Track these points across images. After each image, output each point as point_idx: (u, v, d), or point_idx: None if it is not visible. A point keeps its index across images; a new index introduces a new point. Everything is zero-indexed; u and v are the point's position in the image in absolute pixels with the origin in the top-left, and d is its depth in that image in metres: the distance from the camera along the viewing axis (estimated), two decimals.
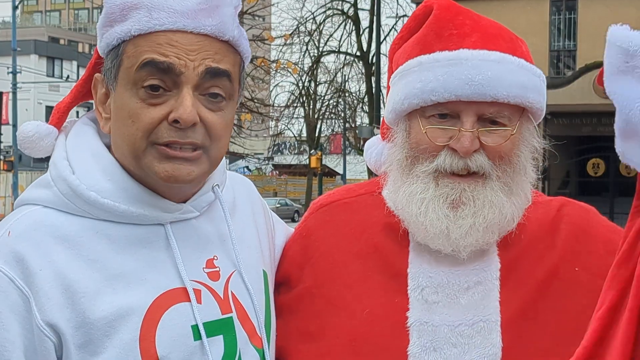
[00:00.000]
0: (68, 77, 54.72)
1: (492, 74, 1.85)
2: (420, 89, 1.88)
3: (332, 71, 42.67)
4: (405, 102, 1.92)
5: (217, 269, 1.83)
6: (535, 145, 1.97)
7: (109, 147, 1.80)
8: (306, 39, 40.51)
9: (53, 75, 62.88)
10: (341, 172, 49.05)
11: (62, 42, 76.77)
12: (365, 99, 39.47)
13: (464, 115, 1.86)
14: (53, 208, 1.74)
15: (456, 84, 1.85)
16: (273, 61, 20.95)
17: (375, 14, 32.70)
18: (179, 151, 1.70)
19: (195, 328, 1.73)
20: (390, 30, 38.80)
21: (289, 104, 41.79)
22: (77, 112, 2.01)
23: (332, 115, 43.02)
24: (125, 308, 1.68)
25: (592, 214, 2.04)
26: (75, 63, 63.94)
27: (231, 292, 1.83)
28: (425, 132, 1.89)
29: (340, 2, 41.68)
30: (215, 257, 1.83)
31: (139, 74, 1.68)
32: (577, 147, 29.68)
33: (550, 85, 31.53)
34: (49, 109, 63.81)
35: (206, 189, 1.85)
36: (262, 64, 15.78)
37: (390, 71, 2.04)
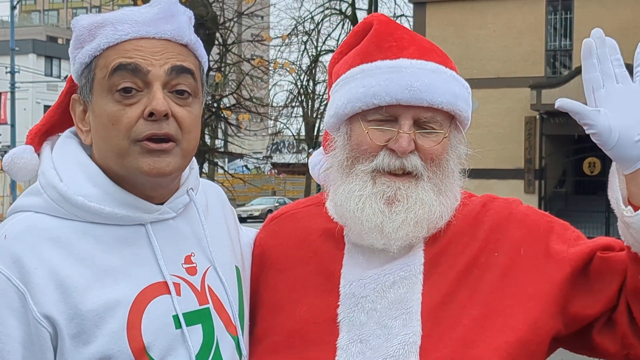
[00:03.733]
0: (66, 76, 54.54)
1: (429, 82, 2.03)
2: (363, 93, 2.04)
3: None
4: (349, 105, 2.07)
5: (194, 264, 2.01)
6: (462, 152, 2.14)
7: (90, 158, 1.99)
8: (304, 39, 40.63)
9: (51, 75, 62.85)
10: None
11: (60, 41, 76.67)
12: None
13: (402, 119, 2.02)
14: (44, 213, 1.92)
15: (397, 89, 2.01)
16: (271, 61, 21.02)
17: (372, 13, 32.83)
18: (157, 144, 1.89)
19: (176, 318, 1.91)
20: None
21: (287, 103, 41.90)
22: None
23: None
24: (113, 301, 1.86)
25: (514, 204, 2.20)
26: None
27: (207, 285, 2.01)
28: (367, 133, 2.04)
29: (338, 2, 41.79)
30: (193, 254, 2.02)
31: (111, 80, 1.88)
32: (573, 146, 29.78)
33: (547, 85, 31.62)
34: (47, 109, 63.41)
35: (181, 192, 2.03)
36: (260, 63, 15.85)
37: (330, 83, 2.22)
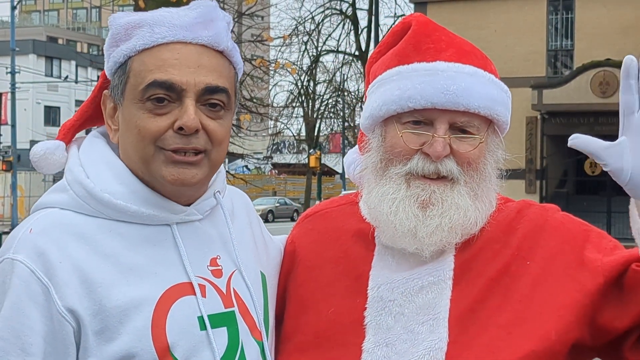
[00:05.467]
0: (67, 77, 54.68)
1: (466, 85, 1.99)
2: (399, 95, 2.01)
3: (330, 70, 42.87)
4: (384, 108, 2.05)
5: (220, 267, 1.98)
6: (499, 156, 2.10)
7: (117, 156, 1.97)
8: (305, 39, 40.62)
9: (52, 75, 62.88)
10: (340, 171, 49.16)
11: (60, 41, 76.73)
12: (364, 98, 39.59)
13: (437, 123, 1.99)
14: (70, 210, 1.90)
15: (432, 92, 1.98)
16: (272, 61, 21.01)
17: (373, 13, 32.85)
18: (183, 156, 1.87)
19: (201, 319, 1.88)
20: (389, 30, 38.91)
21: (288, 103, 41.93)
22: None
23: (330, 114, 43.19)
24: (138, 298, 1.84)
25: (550, 212, 2.15)
26: (73, 63, 63.81)
27: (233, 288, 1.98)
28: (401, 136, 2.01)
29: (339, 2, 41.79)
30: (218, 257, 1.99)
31: (144, 91, 1.86)
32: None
33: (548, 85, 31.61)
34: (47, 109, 63.91)
35: (209, 195, 2.00)
36: (261, 64, 15.86)
37: (367, 83, 2.19)
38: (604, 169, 1.87)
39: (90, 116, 2.08)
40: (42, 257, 1.81)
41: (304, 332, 2.10)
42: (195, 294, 1.90)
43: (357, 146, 2.31)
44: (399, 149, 2.03)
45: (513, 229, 2.09)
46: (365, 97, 2.18)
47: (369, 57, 2.26)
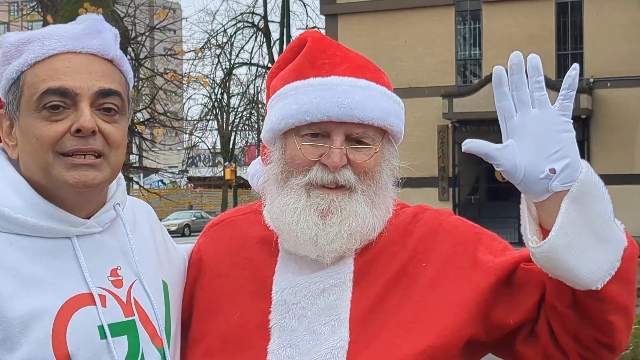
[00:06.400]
0: None
1: (359, 99, 2.09)
2: (297, 109, 2.11)
3: (244, 83, 42.87)
4: (283, 121, 2.14)
5: (121, 277, 2.03)
6: (395, 165, 2.22)
7: (18, 172, 2.01)
8: (218, 52, 40.57)
9: None
10: None
11: None
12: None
13: (334, 135, 2.09)
14: None
15: (328, 106, 2.08)
16: (183, 75, 20.91)
17: (285, 26, 32.99)
18: (83, 159, 1.93)
19: (101, 328, 1.94)
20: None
21: (202, 116, 41.75)
22: None
23: (245, 126, 43.14)
24: (38, 309, 1.88)
25: (444, 216, 2.27)
26: None
27: (133, 297, 2.04)
28: (300, 149, 2.11)
29: (251, 15, 41.88)
30: (119, 267, 2.04)
31: (39, 100, 1.92)
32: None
33: (458, 94, 32.11)
34: None
35: (108, 207, 2.06)
36: (173, 77, 15.78)
37: (268, 97, 2.28)
38: (498, 169, 1.96)
39: None
40: None
41: (211, 337, 2.17)
42: (95, 304, 1.94)
43: (259, 157, 2.40)
44: (298, 160, 2.11)
45: (409, 232, 2.20)
46: (266, 110, 2.27)
47: (269, 71, 2.35)
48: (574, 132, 1.95)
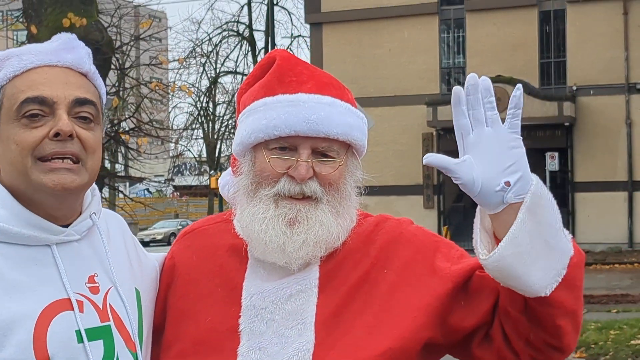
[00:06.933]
0: None
1: (325, 114, 2.20)
2: (266, 124, 2.21)
3: (230, 92, 42.86)
4: (252, 136, 2.24)
5: (97, 284, 2.13)
6: (358, 177, 2.32)
7: None
8: (203, 61, 40.59)
9: None
10: None
11: None
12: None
13: (300, 148, 2.20)
14: None
15: (295, 121, 2.19)
16: (167, 84, 20.92)
17: (270, 35, 33.03)
18: (61, 163, 2.02)
19: (78, 333, 2.02)
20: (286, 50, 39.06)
21: (187, 125, 41.74)
22: None
23: (231, 135, 43.05)
24: (21, 314, 1.97)
25: (404, 225, 2.38)
26: None
27: (109, 304, 2.13)
28: (269, 161, 2.22)
29: (236, 24, 41.93)
30: (96, 274, 2.13)
31: (19, 109, 2.02)
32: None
33: (442, 102, 32.18)
34: None
35: (85, 216, 2.15)
36: (157, 87, 15.78)
37: (238, 112, 2.39)
38: (456, 182, 2.08)
39: None
40: None
41: (183, 340, 2.26)
42: (73, 310, 2.03)
43: (230, 168, 2.49)
44: (267, 172, 2.22)
45: (372, 240, 2.31)
46: (237, 124, 2.37)
47: (239, 88, 2.45)
48: (524, 148, 2.07)
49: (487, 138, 2.05)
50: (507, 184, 2.04)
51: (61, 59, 2.09)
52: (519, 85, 2.07)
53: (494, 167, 2.04)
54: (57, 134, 1.99)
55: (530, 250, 2.04)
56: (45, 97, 2.01)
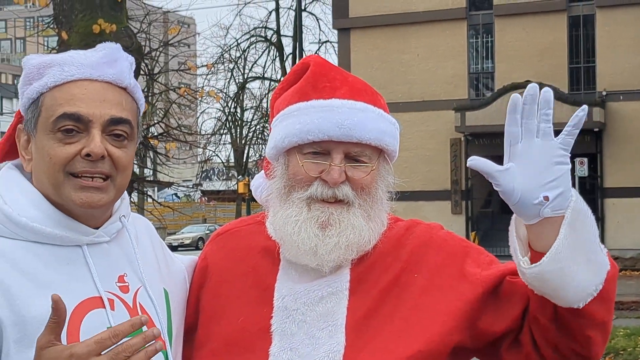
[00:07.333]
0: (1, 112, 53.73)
1: (358, 120, 2.24)
2: (299, 129, 2.25)
3: (257, 97, 42.95)
4: (286, 140, 2.28)
5: (127, 283, 2.18)
6: (390, 181, 2.35)
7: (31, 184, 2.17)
8: (231, 66, 40.73)
9: None
10: None
11: None
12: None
13: (333, 153, 2.23)
14: None
15: (329, 126, 2.22)
16: (196, 90, 21.03)
17: (298, 40, 33.07)
18: (91, 181, 2.07)
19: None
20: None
21: (215, 130, 41.86)
22: None
23: (259, 140, 43.19)
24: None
25: (435, 230, 2.41)
26: None
27: (139, 302, 2.17)
28: (302, 165, 2.25)
29: (264, 30, 42.04)
30: (125, 274, 2.18)
31: (55, 123, 2.07)
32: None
33: (470, 107, 32.04)
34: None
35: (115, 219, 2.21)
36: (186, 92, 15.89)
37: (272, 116, 2.43)
38: (496, 189, 2.10)
39: (7, 152, 2.27)
40: None
41: (215, 340, 2.30)
42: (104, 307, 2.08)
43: (262, 171, 2.53)
44: (300, 176, 2.25)
45: (402, 244, 2.33)
46: (270, 129, 2.40)
47: (273, 92, 2.48)
48: (570, 165, 2.08)
49: (535, 149, 2.06)
50: (546, 198, 2.05)
51: (102, 73, 2.11)
52: (584, 107, 2.06)
53: (535, 179, 2.06)
54: (88, 154, 2.04)
55: (571, 265, 2.06)
56: (81, 115, 2.05)
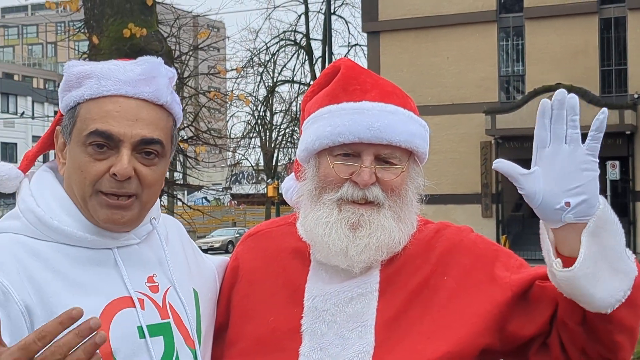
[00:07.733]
0: (23, 113, 54.33)
1: (388, 122, 2.25)
2: (330, 131, 2.27)
3: (287, 100, 43.03)
4: (317, 142, 2.30)
5: (157, 283, 2.21)
6: (419, 183, 2.36)
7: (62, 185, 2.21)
8: (260, 70, 40.83)
9: (8, 112, 62.41)
10: None
11: (16, 77, 76.15)
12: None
13: (364, 155, 2.24)
14: (22, 234, 2.12)
15: (359, 128, 2.24)
16: (225, 93, 21.11)
17: (327, 43, 33.12)
18: (116, 200, 2.11)
19: (140, 329, 2.10)
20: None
21: (245, 134, 41.99)
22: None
23: (288, 144, 43.28)
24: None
25: (465, 232, 2.42)
26: (29, 99, 62.98)
27: (168, 302, 2.20)
28: (332, 167, 2.27)
29: (293, 33, 42.11)
30: (155, 275, 2.21)
31: (87, 137, 2.09)
32: (529, 169, 30.17)
33: (501, 110, 31.95)
34: (4, 145, 63.27)
35: (145, 221, 2.24)
36: (215, 96, 15.96)
37: (303, 119, 2.45)
38: (520, 192, 2.12)
39: (49, 148, 2.32)
40: (3, 267, 2.01)
41: (246, 339, 2.32)
42: (135, 307, 2.11)
43: (293, 173, 2.56)
44: (331, 178, 2.27)
45: (432, 247, 2.35)
46: (301, 131, 2.42)
47: (304, 95, 2.50)
48: (597, 172, 2.09)
49: (562, 155, 2.07)
50: (568, 204, 2.06)
51: (138, 91, 2.12)
52: (604, 110, 2.08)
53: (559, 184, 2.07)
54: (115, 174, 2.06)
55: (595, 272, 2.07)
56: (112, 134, 2.07)
